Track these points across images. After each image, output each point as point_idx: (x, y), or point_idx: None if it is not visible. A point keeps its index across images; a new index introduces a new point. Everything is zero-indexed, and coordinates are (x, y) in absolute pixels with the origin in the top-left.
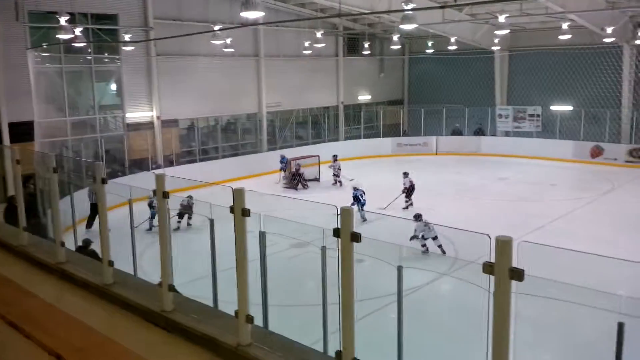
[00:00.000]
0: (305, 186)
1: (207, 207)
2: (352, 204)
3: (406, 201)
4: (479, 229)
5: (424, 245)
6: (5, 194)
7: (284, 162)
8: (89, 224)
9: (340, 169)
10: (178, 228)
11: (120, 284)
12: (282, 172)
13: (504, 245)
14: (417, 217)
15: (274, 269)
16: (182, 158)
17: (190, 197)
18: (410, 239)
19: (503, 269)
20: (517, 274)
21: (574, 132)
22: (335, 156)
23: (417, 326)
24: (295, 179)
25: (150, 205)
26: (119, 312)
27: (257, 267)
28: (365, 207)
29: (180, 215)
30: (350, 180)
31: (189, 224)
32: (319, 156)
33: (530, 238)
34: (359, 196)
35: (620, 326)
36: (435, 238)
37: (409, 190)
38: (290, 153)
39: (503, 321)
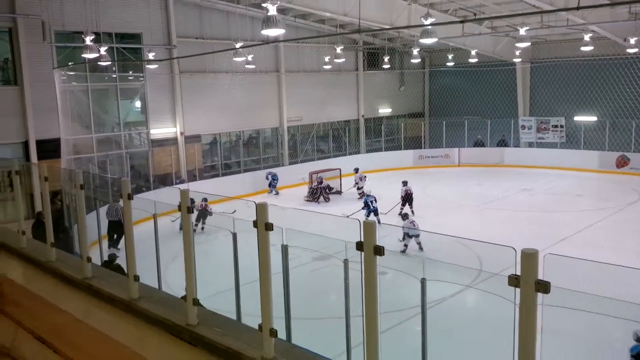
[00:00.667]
0: (327, 199)
1: (230, 220)
2: (363, 208)
3: (401, 209)
4: (503, 241)
5: (405, 246)
6: (33, 211)
7: (275, 179)
8: (112, 243)
9: (362, 179)
10: (194, 231)
11: (146, 298)
12: (273, 191)
13: (529, 257)
14: (404, 217)
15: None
16: (206, 173)
17: (205, 199)
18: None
19: (529, 282)
20: (544, 287)
21: (599, 142)
22: (356, 169)
23: (442, 339)
24: (317, 192)
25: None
26: (145, 326)
27: (280, 281)
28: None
29: (197, 219)
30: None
31: (202, 229)
32: (340, 169)
33: (555, 249)
34: (370, 202)
35: None
36: (417, 236)
37: (404, 199)
38: (311, 166)
39: (529, 334)
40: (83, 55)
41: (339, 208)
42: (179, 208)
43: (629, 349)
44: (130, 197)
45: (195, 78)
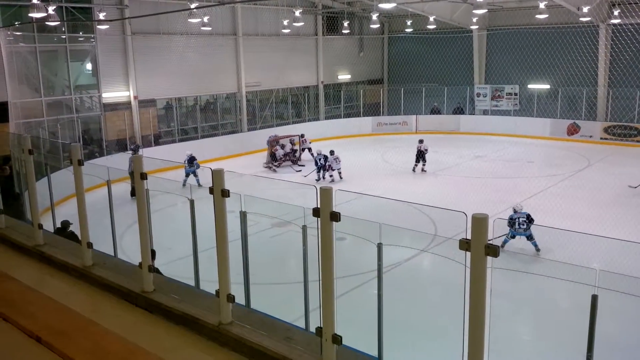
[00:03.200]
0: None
1: (187, 187)
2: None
3: (415, 164)
4: (456, 207)
5: (331, 176)
6: None
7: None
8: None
9: (305, 142)
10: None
11: (100, 265)
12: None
13: (479, 222)
14: (331, 153)
15: (256, 249)
16: (161, 138)
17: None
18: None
19: (479, 246)
20: (493, 250)
21: (551, 110)
22: (302, 135)
23: (398, 301)
24: (284, 159)
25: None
26: (100, 293)
27: (239, 247)
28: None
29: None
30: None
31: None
32: (299, 135)
33: (506, 215)
34: (318, 160)
35: (594, 299)
36: (339, 169)
37: (417, 155)
38: (271, 132)
39: (479, 295)
40: (30, 15)
41: (299, 175)
42: (131, 174)
43: (509, 218)
44: (80, 163)
45: (149, 40)
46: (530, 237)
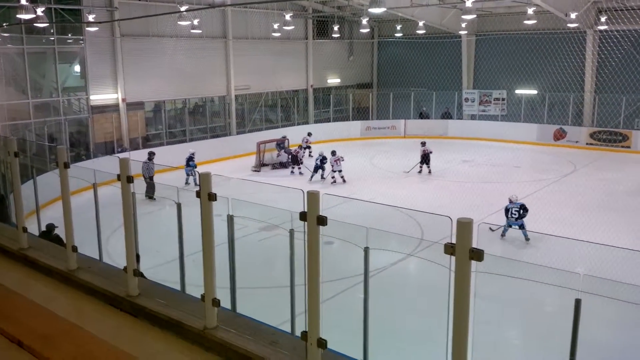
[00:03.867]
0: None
1: (174, 191)
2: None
3: (420, 167)
4: (443, 211)
5: (333, 177)
6: None
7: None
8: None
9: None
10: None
11: (85, 269)
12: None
13: (464, 226)
14: (333, 153)
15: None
16: (149, 141)
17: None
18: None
19: (463, 250)
20: (477, 254)
21: (538, 115)
22: (309, 134)
23: (383, 305)
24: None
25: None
26: (84, 297)
27: (226, 250)
28: (325, 173)
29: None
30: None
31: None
32: (286, 137)
33: (491, 219)
34: (316, 161)
35: (578, 303)
36: (340, 171)
37: (423, 158)
38: (260, 136)
39: (463, 299)
40: (18, 16)
41: (285, 179)
42: (118, 178)
43: (505, 208)
44: (66, 166)
45: (138, 42)
46: (521, 227)
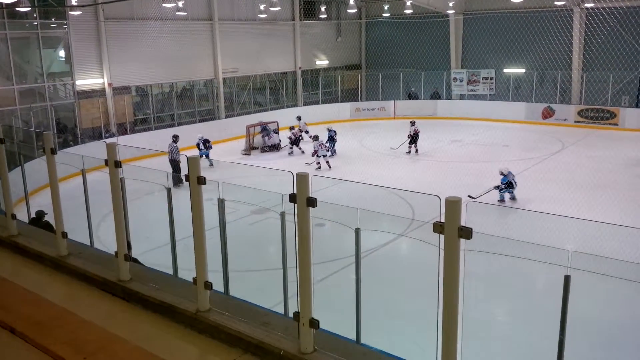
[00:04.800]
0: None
1: (164, 175)
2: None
3: (409, 147)
4: (433, 191)
5: (318, 163)
6: None
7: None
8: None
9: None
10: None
11: (76, 255)
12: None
13: (452, 205)
14: (315, 138)
15: (234, 236)
16: (137, 126)
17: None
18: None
19: (452, 228)
20: (466, 232)
21: (526, 94)
22: (299, 117)
23: (376, 286)
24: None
25: (199, 147)
26: (76, 283)
27: (218, 235)
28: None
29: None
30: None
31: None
32: (277, 122)
33: (481, 198)
34: (330, 137)
35: (567, 279)
36: (325, 156)
37: (413, 137)
38: (249, 119)
39: (453, 277)
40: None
41: (278, 161)
42: (106, 163)
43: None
44: (53, 152)
45: (123, 25)
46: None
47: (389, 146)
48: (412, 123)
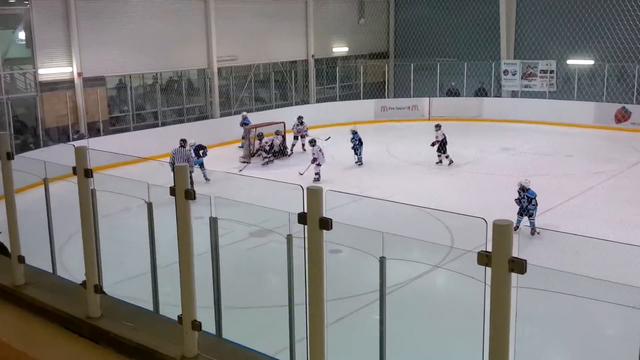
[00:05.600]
0: (268, 160)
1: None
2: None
3: (439, 155)
4: (475, 211)
5: (317, 174)
6: None
7: (247, 123)
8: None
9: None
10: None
11: (35, 284)
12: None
13: (502, 230)
14: (312, 142)
15: (229, 263)
16: (112, 126)
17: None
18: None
19: (501, 260)
20: (518, 266)
21: (596, 92)
22: (300, 118)
23: (404, 328)
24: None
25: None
26: (33, 319)
27: (209, 261)
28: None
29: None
30: (326, 139)
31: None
32: (284, 123)
33: (538, 221)
34: (354, 141)
35: None
36: (319, 165)
37: (441, 144)
38: (249, 119)
39: (502, 320)
40: None
41: (284, 171)
42: (74, 171)
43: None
44: (10, 157)
45: (97, 2)
46: (530, 216)
47: (422, 154)
48: (438, 127)
